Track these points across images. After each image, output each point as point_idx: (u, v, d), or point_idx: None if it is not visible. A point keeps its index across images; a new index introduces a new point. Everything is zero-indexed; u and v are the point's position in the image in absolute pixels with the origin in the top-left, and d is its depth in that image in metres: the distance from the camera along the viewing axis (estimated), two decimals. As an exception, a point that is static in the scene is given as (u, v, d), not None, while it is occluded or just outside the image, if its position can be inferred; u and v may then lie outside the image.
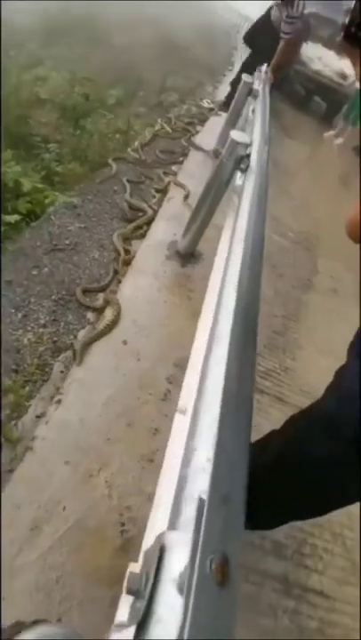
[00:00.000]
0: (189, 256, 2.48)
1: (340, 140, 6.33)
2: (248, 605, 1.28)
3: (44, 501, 1.26)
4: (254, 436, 1.70)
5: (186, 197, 3.02)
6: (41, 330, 1.90)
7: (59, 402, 1.52)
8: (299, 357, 2.24)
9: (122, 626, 0.55)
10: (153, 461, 1.44)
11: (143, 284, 2.19)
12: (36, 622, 0.47)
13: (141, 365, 1.74)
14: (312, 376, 2.17)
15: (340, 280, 3.13)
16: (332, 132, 6.44)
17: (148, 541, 0.65)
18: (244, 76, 3.67)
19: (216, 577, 0.51)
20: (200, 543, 0.54)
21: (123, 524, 1.28)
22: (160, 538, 0.59)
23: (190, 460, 0.75)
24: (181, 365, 1.80)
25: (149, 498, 1.35)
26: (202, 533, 0.55)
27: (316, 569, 1.48)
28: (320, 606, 1.39)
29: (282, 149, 5.52)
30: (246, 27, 10.70)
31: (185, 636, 0.45)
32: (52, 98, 5.33)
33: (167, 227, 2.68)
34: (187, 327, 2.03)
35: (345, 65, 6.61)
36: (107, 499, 1.32)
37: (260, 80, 3.67)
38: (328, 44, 6.90)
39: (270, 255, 3.00)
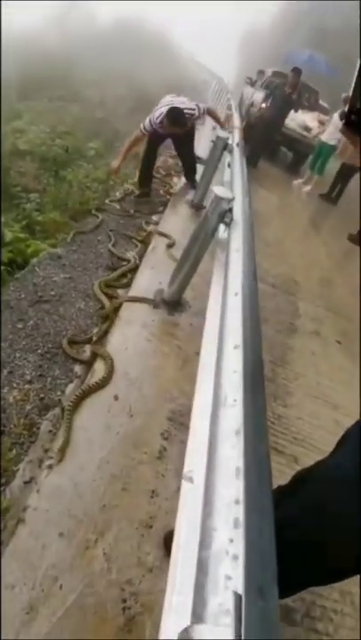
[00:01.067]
0: (176, 304, 2.50)
1: (307, 188, 6.73)
2: None
3: (39, 579, 1.16)
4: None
5: (170, 246, 3.09)
6: (27, 386, 1.83)
7: (50, 467, 1.44)
8: (289, 404, 2.24)
9: None
10: (152, 527, 1.36)
11: (131, 335, 2.18)
12: None
13: (134, 422, 1.69)
14: (304, 423, 2.16)
15: (322, 322, 3.21)
16: (300, 181, 6.85)
17: (167, 633, 0.59)
18: (219, 132, 3.90)
19: None
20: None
21: (124, 601, 1.18)
22: (187, 632, 0.55)
23: (210, 541, 0.71)
24: (175, 419, 1.77)
25: (151, 569, 1.27)
26: (243, 631, 0.51)
27: (326, 632, 1.41)
28: None
29: (254, 198, 5.80)
30: (215, 83, 11.48)
31: None
32: (32, 149, 5.49)
33: (152, 275, 2.71)
34: (178, 377, 2.00)
35: (308, 118, 7.17)
36: (106, 572, 1.23)
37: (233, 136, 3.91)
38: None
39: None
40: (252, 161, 6.65)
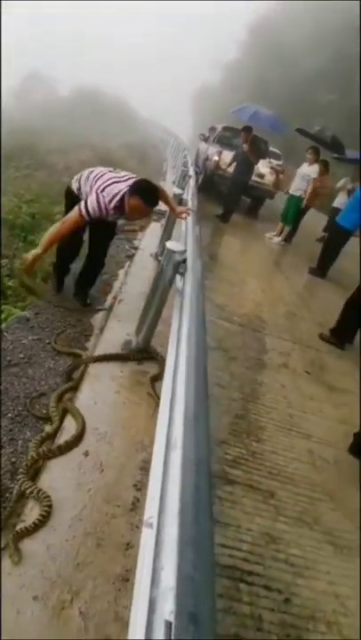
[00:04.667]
0: (145, 353, 2.59)
1: (278, 239, 7.16)
2: None
3: (13, 645, 1.13)
4: (232, 533, 1.67)
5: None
6: (-2, 452, 1.84)
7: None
8: (262, 438, 2.29)
9: None
10: (128, 580, 1.36)
11: (101, 389, 2.23)
12: None
13: (106, 476, 1.70)
14: (278, 457, 2.21)
15: (289, 354, 3.33)
16: (272, 233, 7.28)
17: None
18: (174, 189, 4.19)
19: None
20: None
21: (103, 663, 1.16)
22: None
23: (158, 580, 0.76)
24: (147, 468, 1.79)
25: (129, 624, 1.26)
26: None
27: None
28: None
29: (218, 245, 6.11)
30: (173, 141, 12.26)
31: None
32: (1, 218, 5.71)
33: (119, 327, 2.81)
34: (149, 425, 2.04)
35: (260, 166, 7.71)
36: (83, 632, 1.21)
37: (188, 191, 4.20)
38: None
39: (221, 340, 3.19)
40: (224, 218, 7.10)
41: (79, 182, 2.79)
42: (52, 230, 2.58)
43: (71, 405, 2.05)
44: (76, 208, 2.53)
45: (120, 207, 2.56)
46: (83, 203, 2.52)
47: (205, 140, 9.57)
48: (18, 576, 1.31)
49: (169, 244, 2.27)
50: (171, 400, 1.20)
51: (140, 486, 1.70)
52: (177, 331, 1.66)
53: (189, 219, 3.08)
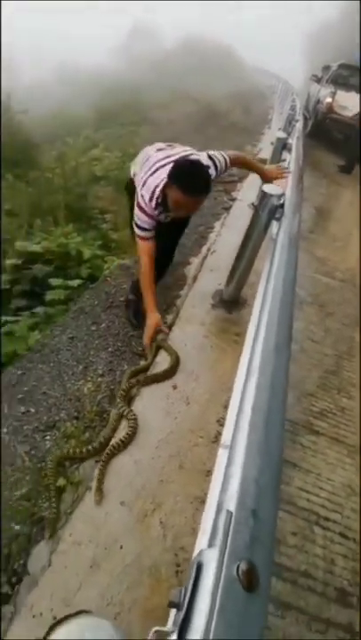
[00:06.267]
0: (235, 303, 2.59)
1: None
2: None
3: (102, 540, 1.33)
4: (311, 479, 1.67)
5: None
6: (99, 379, 2.07)
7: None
8: (355, 396, 2.18)
9: (162, 632, 0.60)
10: (205, 503, 1.46)
11: (191, 332, 2.32)
12: (79, 613, 0.54)
13: (191, 409, 1.81)
14: (370, 414, 2.09)
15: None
16: None
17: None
18: (278, 133, 3.93)
19: (243, 582, 0.56)
20: (227, 551, 0.60)
21: (178, 565, 1.30)
22: (198, 556, 0.66)
23: (227, 487, 0.81)
24: (230, 407, 1.85)
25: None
26: (229, 542, 0.61)
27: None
28: None
29: (325, 195, 5.64)
30: (281, 87, 11.37)
31: (211, 636, 0.51)
32: (107, 174, 6.01)
33: (212, 277, 2.83)
34: (234, 371, 2.08)
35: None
36: (162, 539, 1.36)
37: (293, 135, 3.91)
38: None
39: (318, 295, 3.03)
40: (347, 169, 6.50)
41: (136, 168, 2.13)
42: (141, 280, 2.09)
43: (166, 343, 2.17)
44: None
45: (159, 204, 1.89)
46: (134, 222, 1.98)
47: (318, 80, 8.60)
48: (108, 483, 1.49)
49: (265, 187, 2.17)
50: (255, 334, 1.21)
51: (223, 422, 1.77)
52: (267, 274, 1.62)
53: (292, 158, 2.87)
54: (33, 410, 1.87)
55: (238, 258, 2.50)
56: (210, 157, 2.00)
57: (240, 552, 0.59)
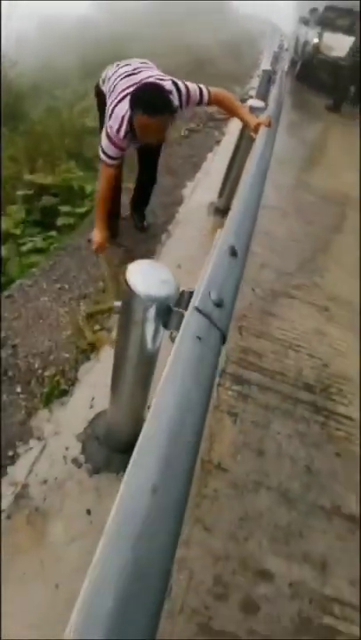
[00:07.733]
0: (227, 211, 3.00)
1: None
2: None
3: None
4: (287, 325, 2.14)
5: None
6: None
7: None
8: (326, 276, 2.65)
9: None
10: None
11: (190, 234, 2.75)
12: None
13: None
14: (338, 289, 2.57)
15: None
16: None
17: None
18: (263, 65, 4.21)
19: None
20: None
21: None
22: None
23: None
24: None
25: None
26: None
27: None
28: None
29: (314, 131, 5.92)
30: (270, 30, 11.18)
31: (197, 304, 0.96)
32: (97, 123, 6.18)
33: (207, 194, 3.23)
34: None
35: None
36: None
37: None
38: (347, 31, 7.27)
39: (300, 209, 3.45)
40: (335, 108, 6.72)
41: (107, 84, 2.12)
42: (96, 198, 2.21)
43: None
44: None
45: (126, 131, 1.87)
46: (100, 144, 1.99)
47: (306, 23, 8.58)
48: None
49: (250, 101, 2.54)
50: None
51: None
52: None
53: (276, 84, 3.20)
54: (67, 287, 2.32)
55: (229, 168, 2.91)
56: (173, 83, 1.97)
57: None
